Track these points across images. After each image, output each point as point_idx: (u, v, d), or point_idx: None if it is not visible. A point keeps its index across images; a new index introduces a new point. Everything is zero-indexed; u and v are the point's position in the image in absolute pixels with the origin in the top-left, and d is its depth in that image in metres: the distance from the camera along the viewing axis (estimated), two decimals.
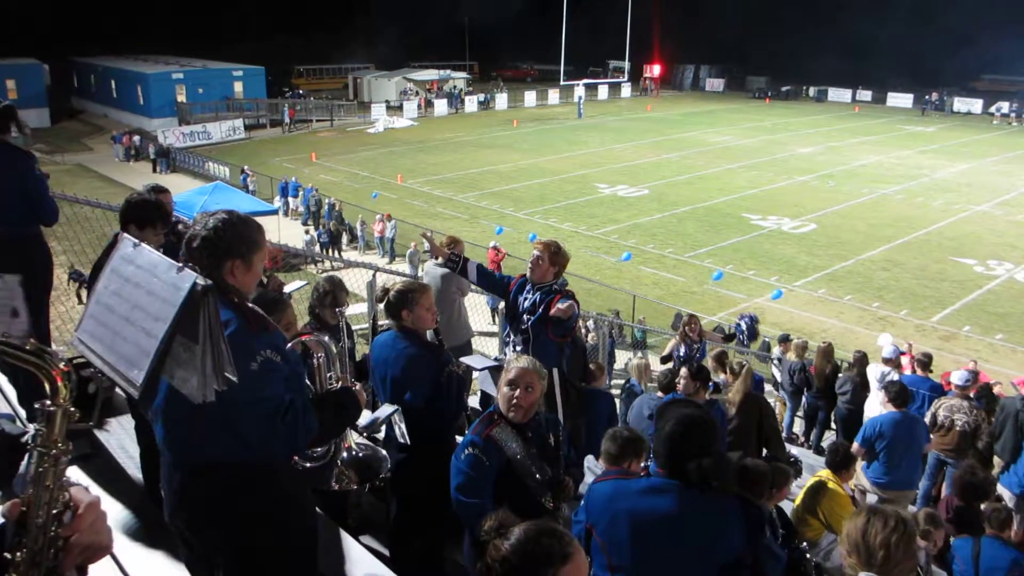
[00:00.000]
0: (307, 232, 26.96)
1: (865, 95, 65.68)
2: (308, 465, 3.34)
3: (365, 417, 3.57)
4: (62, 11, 67.73)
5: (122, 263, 2.68)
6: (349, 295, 5.70)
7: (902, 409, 7.54)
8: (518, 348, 5.85)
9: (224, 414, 2.64)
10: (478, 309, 13.76)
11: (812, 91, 68.76)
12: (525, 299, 5.84)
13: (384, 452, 3.69)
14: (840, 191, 33.65)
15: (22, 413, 4.99)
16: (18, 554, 1.52)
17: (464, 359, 5.23)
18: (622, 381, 12.75)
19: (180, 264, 2.51)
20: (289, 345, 3.01)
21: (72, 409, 1.63)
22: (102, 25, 66.53)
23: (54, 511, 1.56)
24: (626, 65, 66.89)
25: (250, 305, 2.82)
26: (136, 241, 2.71)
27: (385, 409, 3.88)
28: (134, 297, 2.55)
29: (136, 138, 41.80)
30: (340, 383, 3.25)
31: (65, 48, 58.31)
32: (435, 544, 4.59)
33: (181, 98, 49.20)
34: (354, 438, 3.56)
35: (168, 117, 47.37)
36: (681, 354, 10.29)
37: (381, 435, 4.34)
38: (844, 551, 2.66)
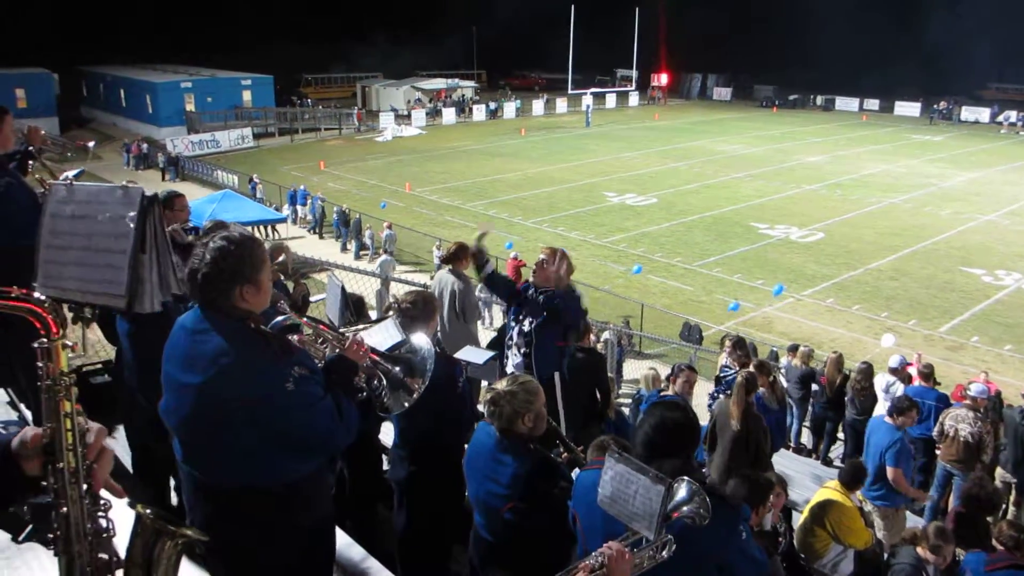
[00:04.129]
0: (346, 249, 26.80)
1: (872, 104, 65.60)
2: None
3: (383, 345, 3.52)
4: (71, 21, 68.09)
5: (60, 206, 2.76)
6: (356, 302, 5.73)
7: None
8: (520, 351, 5.92)
9: (273, 442, 2.73)
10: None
11: (819, 100, 68.68)
12: (523, 307, 5.94)
13: (422, 349, 3.51)
14: (848, 200, 33.64)
15: (28, 415, 5.07)
16: (51, 480, 1.62)
17: (459, 355, 5.25)
18: (631, 390, 12.83)
19: (122, 184, 2.58)
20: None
21: (68, 342, 1.70)
22: (111, 34, 66.90)
23: (79, 432, 1.66)
24: (634, 74, 67.17)
25: (267, 330, 2.86)
26: (68, 183, 2.78)
27: (390, 331, 3.78)
28: (85, 228, 2.63)
29: (144, 146, 42.02)
30: (327, 347, 3.18)
31: (74, 57, 58.59)
32: (444, 553, 4.65)
33: (190, 107, 49.44)
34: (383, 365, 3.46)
35: (177, 126, 47.60)
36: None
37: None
38: None
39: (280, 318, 3.09)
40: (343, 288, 4.90)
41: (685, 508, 2.65)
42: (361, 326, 3.69)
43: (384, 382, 3.35)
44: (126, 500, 1.73)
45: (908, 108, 63.16)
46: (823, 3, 67.61)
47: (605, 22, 70.66)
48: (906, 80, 63.83)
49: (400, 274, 21.21)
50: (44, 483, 1.63)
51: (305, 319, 3.22)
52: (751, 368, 8.53)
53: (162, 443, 3.28)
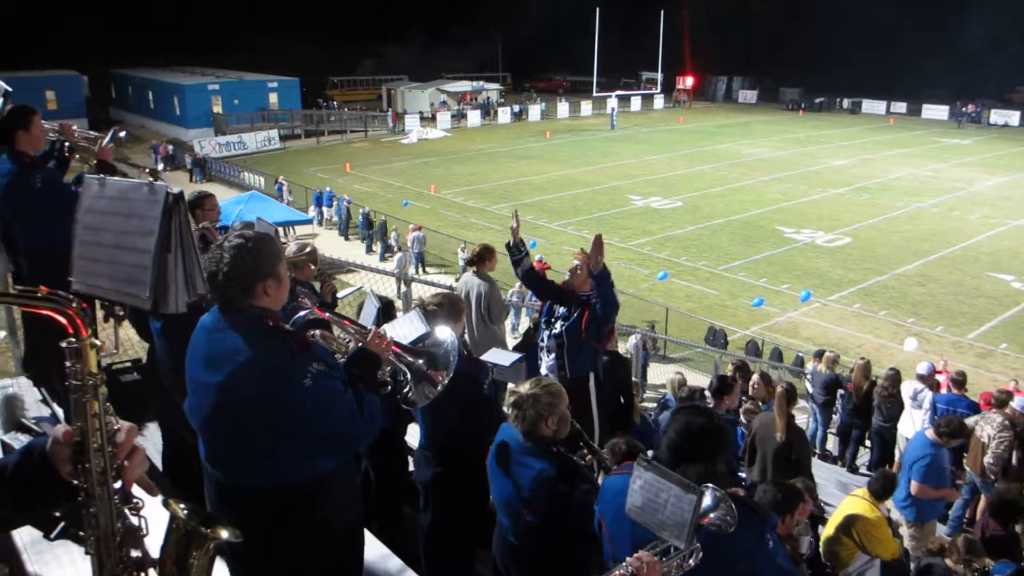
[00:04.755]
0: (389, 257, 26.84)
1: (900, 107, 64.94)
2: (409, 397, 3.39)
3: (407, 339, 3.54)
4: (101, 23, 68.92)
5: (95, 202, 2.78)
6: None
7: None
8: (551, 354, 5.93)
9: (293, 439, 2.75)
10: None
11: (846, 103, 68.15)
12: (560, 306, 5.94)
13: (446, 342, 3.50)
14: (875, 204, 33.35)
15: (59, 412, 5.14)
16: (81, 479, 1.63)
17: (485, 356, 5.26)
18: (656, 395, 12.80)
19: (148, 180, 2.59)
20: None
21: (97, 341, 1.70)
22: (140, 37, 67.61)
23: (107, 433, 1.66)
24: (659, 77, 66.95)
25: (287, 327, 2.89)
26: (100, 178, 2.80)
27: (414, 324, 3.79)
28: (116, 224, 2.65)
29: (171, 148, 42.44)
30: (350, 341, 3.21)
31: (104, 60, 59.34)
32: (468, 555, 4.65)
33: (217, 109, 49.96)
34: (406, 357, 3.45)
35: (204, 127, 48.10)
36: None
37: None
38: None
39: (302, 312, 3.13)
40: (380, 309, 4.87)
41: (711, 515, 2.65)
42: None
43: (408, 375, 3.36)
44: (159, 498, 1.75)
45: (936, 111, 62.49)
46: (850, 6, 67.18)
47: (630, 25, 70.58)
48: (935, 83, 63.20)
49: (425, 276, 21.34)
50: (76, 482, 1.65)
51: (327, 314, 3.25)
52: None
53: (194, 442, 3.31)
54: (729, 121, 60.63)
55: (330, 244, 26.34)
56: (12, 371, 6.34)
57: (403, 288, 9.36)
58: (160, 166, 41.02)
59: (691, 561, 2.66)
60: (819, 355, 12.71)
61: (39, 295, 1.64)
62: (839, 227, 29.62)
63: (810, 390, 12.19)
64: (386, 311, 5.13)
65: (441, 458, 4.57)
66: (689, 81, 70.98)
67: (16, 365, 6.25)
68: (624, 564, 2.58)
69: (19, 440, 4.31)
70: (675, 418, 3.20)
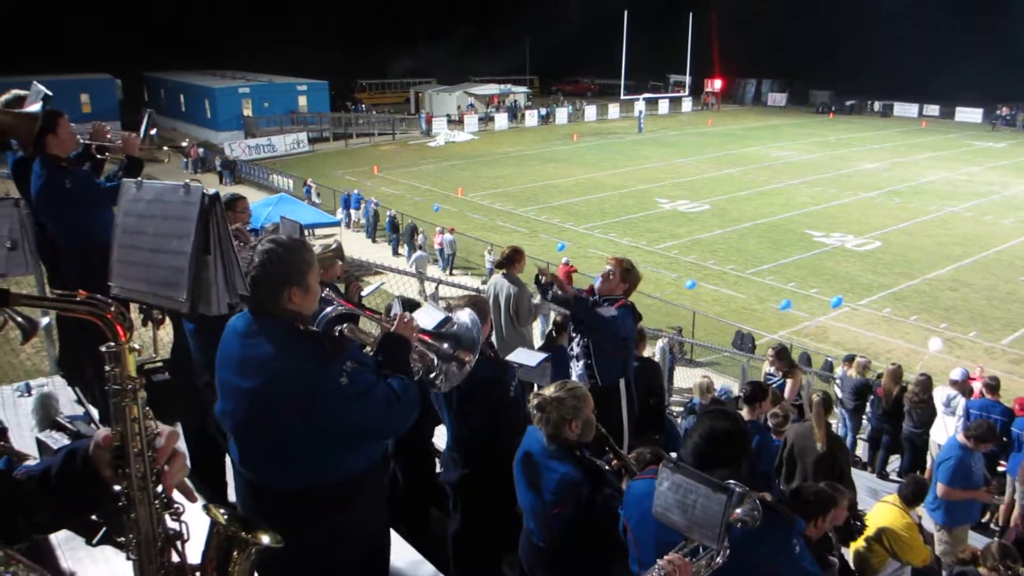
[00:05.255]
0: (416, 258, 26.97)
1: (932, 110, 64.10)
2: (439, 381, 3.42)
3: (429, 325, 3.56)
4: (134, 28, 69.78)
5: (132, 205, 2.80)
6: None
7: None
8: (580, 361, 5.92)
9: (332, 438, 2.78)
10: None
11: (877, 106, 67.44)
12: (582, 336, 5.93)
13: (467, 323, 3.52)
14: (906, 208, 32.97)
15: (94, 412, 5.21)
16: (122, 484, 1.64)
17: (511, 356, 5.25)
18: (683, 399, 12.73)
19: (184, 183, 2.61)
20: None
21: (135, 345, 1.70)
22: (172, 41, 68.38)
23: (147, 437, 1.66)
24: (687, 79, 66.66)
25: (316, 330, 2.91)
26: (138, 180, 2.82)
27: (433, 312, 3.75)
28: (153, 227, 2.67)
29: (201, 150, 42.88)
30: (378, 328, 3.24)
31: (137, 63, 60.13)
32: (496, 557, 4.65)
33: (247, 112, 50.44)
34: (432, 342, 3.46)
35: (235, 130, 48.61)
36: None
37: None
38: None
39: (328, 309, 3.15)
40: (403, 304, 4.91)
41: (737, 511, 2.65)
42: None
43: (435, 360, 3.38)
44: (200, 503, 1.76)
45: (970, 114, 61.72)
46: (882, 7, 66.46)
47: (659, 27, 70.22)
48: (969, 85, 62.29)
49: (451, 278, 21.39)
50: (117, 487, 1.66)
51: (352, 305, 3.27)
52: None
53: (223, 442, 3.34)
54: (758, 124, 60.22)
55: (357, 246, 26.47)
56: (47, 370, 6.44)
57: (425, 287, 9.41)
58: (190, 169, 41.50)
59: (719, 559, 2.66)
60: (849, 360, 12.59)
61: (78, 299, 1.65)
62: (869, 231, 29.31)
63: (840, 395, 12.07)
64: (410, 309, 5.17)
65: (468, 459, 4.58)
66: (717, 84, 70.58)
67: (51, 364, 6.35)
68: (656, 567, 2.58)
69: (54, 438, 4.38)
70: (700, 422, 3.20)
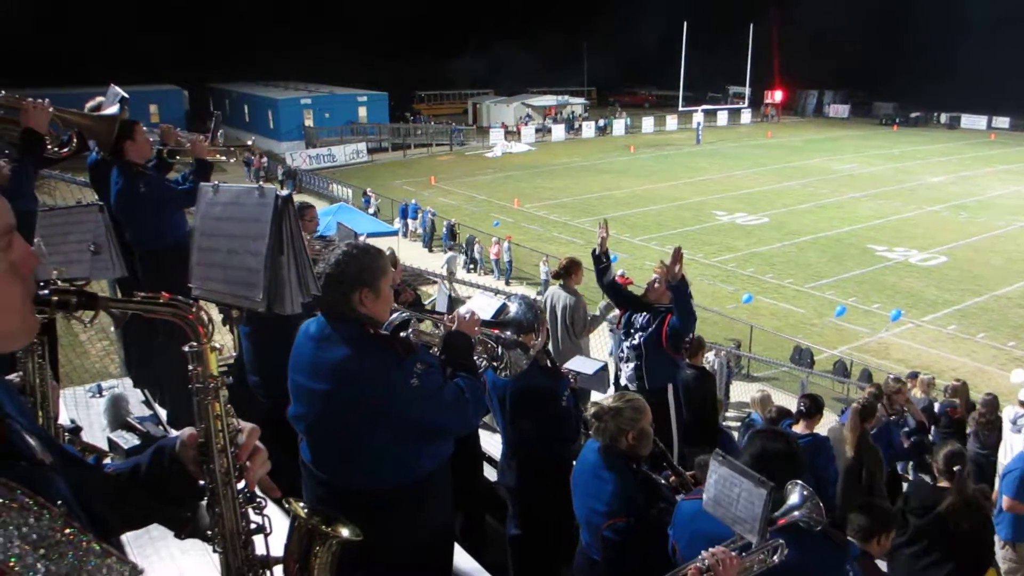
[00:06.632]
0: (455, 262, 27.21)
1: (1002, 122, 62.40)
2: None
3: (487, 313, 3.60)
4: (201, 41, 71.64)
5: (210, 208, 2.89)
6: None
7: None
8: (630, 363, 5.92)
9: (405, 437, 2.86)
10: None
11: (944, 118, 65.90)
12: (639, 317, 5.94)
13: (522, 306, 3.59)
14: (973, 222, 32.14)
15: (162, 413, 5.35)
16: (207, 480, 1.70)
17: (568, 364, 5.27)
18: (739, 413, 12.60)
19: (259, 185, 2.68)
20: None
21: (216, 344, 1.75)
22: (237, 53, 69.94)
23: (230, 434, 1.72)
24: (746, 91, 65.96)
25: (386, 333, 2.97)
26: (214, 184, 2.91)
27: (487, 300, 3.86)
28: (230, 229, 2.75)
29: (264, 159, 43.72)
30: (441, 328, 3.31)
31: (203, 75, 61.70)
32: (554, 568, 4.65)
33: (308, 122, 51.31)
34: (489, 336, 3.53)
35: (296, 140, 49.47)
36: None
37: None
38: None
39: (394, 316, 3.22)
40: (449, 296, 4.99)
41: (796, 513, 2.63)
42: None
43: (499, 349, 3.43)
44: (280, 497, 1.81)
45: None
46: (951, 17, 65.01)
47: (718, 38, 69.63)
48: None
49: (512, 288, 21.46)
50: (202, 483, 1.72)
51: (412, 311, 3.35)
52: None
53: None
54: (819, 136, 59.29)
55: (414, 255, 26.72)
56: (116, 372, 6.65)
57: (454, 287, 9.48)
58: (251, 177, 42.36)
59: (775, 557, 2.64)
60: (912, 377, 12.32)
61: (161, 301, 1.70)
62: (934, 245, 28.64)
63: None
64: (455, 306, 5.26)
65: (522, 468, 4.62)
66: (778, 95, 69.67)
67: (120, 366, 6.55)
68: (700, 558, 2.57)
69: (124, 438, 4.53)
70: (751, 442, 3.19)
